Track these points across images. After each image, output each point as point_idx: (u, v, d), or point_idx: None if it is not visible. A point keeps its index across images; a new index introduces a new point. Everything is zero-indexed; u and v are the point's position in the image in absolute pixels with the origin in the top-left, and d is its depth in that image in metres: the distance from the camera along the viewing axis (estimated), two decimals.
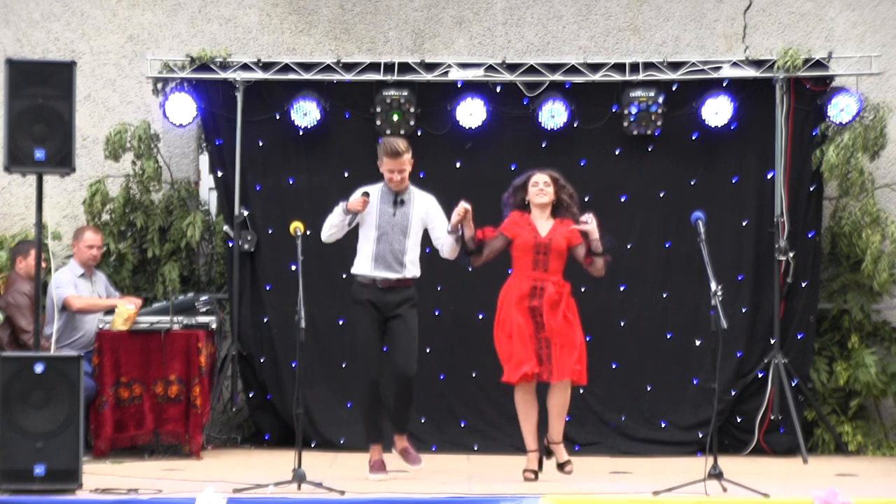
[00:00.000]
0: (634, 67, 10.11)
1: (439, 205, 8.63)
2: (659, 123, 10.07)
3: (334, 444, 10.01)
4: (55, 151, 7.72)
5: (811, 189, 10.15)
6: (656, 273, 10.25)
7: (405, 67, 10.14)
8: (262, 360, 10.22)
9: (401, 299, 8.47)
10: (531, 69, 10.13)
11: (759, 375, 10.06)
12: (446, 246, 8.53)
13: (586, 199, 9.92)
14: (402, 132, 10.03)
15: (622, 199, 10.22)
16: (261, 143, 10.31)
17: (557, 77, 10.10)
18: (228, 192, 10.27)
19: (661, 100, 9.99)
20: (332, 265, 10.03)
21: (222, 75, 10.17)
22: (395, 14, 10.88)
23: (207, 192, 10.87)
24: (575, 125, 10.18)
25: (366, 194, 8.43)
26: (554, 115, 10.05)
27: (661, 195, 10.24)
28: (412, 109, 10.07)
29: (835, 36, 10.74)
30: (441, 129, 10.23)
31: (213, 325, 9.61)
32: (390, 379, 8.55)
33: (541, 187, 8.50)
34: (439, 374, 10.05)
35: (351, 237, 8.66)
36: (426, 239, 8.65)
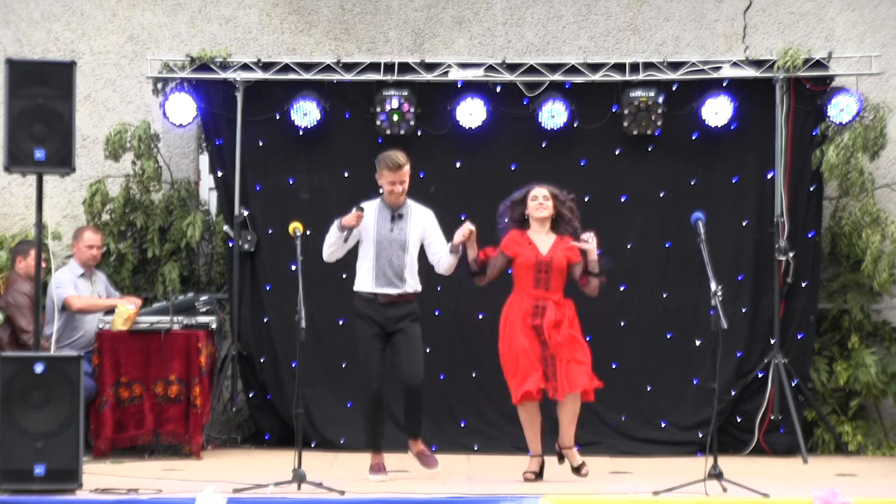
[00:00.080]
0: (634, 67, 10.10)
1: (436, 219, 8.64)
2: (659, 123, 10.07)
3: (334, 444, 10.01)
4: (55, 151, 7.72)
5: (811, 189, 10.15)
6: (656, 273, 10.25)
7: (405, 67, 10.14)
8: (262, 360, 10.22)
9: (402, 314, 8.48)
10: (531, 69, 10.13)
11: (759, 375, 10.06)
12: (443, 262, 8.53)
13: (586, 199, 9.95)
14: (402, 132, 10.03)
15: (622, 199, 10.22)
16: (261, 143, 10.31)
17: (557, 77, 10.10)
18: (228, 192, 10.27)
19: (660, 100, 9.99)
20: (333, 265, 10.01)
21: (222, 75, 10.17)
22: (395, 14, 10.88)
23: (207, 192, 10.87)
24: (575, 125, 10.18)
25: (360, 209, 8.44)
26: (554, 115, 10.05)
27: (661, 195, 10.24)
28: (412, 109, 10.07)
29: (835, 36, 10.74)
30: (441, 129, 10.23)
31: (213, 325, 9.61)
32: (398, 389, 8.60)
33: (540, 201, 8.48)
34: (439, 374, 10.05)
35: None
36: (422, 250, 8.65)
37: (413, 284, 8.54)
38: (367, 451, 8.62)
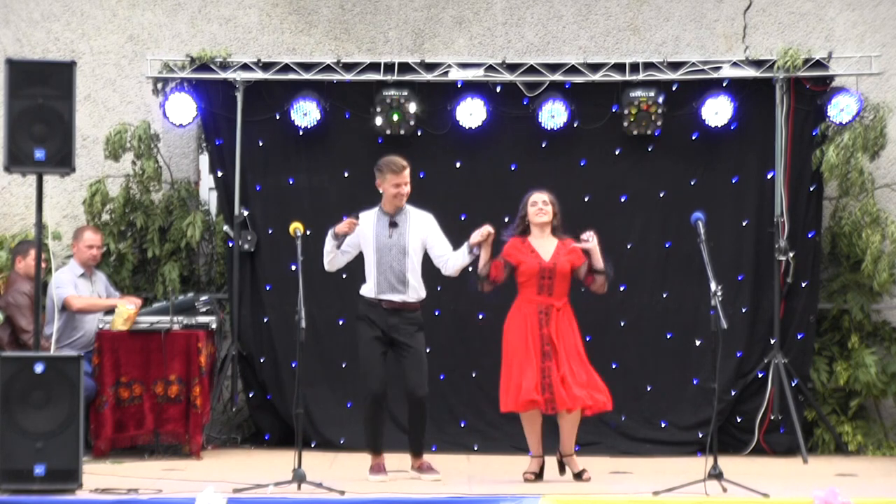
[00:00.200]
0: (634, 67, 10.10)
1: (436, 222, 8.65)
2: (659, 123, 10.07)
3: (334, 444, 10.01)
4: (55, 151, 7.72)
5: (811, 189, 10.15)
6: (656, 273, 10.25)
7: (405, 67, 10.14)
8: (262, 360, 10.22)
9: (405, 323, 8.48)
10: (531, 69, 10.13)
11: (759, 375, 10.06)
12: (451, 263, 8.53)
13: (586, 200, 9.96)
14: (402, 132, 10.03)
15: (622, 199, 10.21)
16: (261, 143, 10.31)
17: (557, 77, 10.09)
18: (228, 192, 10.27)
19: (660, 100, 9.99)
20: None
21: (222, 75, 10.17)
22: (395, 14, 10.88)
23: (207, 192, 10.87)
24: (575, 125, 10.18)
25: (355, 217, 8.45)
26: (554, 115, 10.05)
27: (661, 195, 10.24)
28: (412, 109, 10.07)
29: (835, 36, 10.74)
30: (441, 129, 10.23)
31: (213, 325, 9.61)
32: (400, 389, 8.60)
33: (540, 206, 8.48)
34: (439, 374, 10.04)
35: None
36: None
37: (417, 290, 8.54)
38: (367, 452, 8.61)
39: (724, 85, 10.07)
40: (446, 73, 10.14)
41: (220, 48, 10.35)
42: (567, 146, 10.17)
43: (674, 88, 10.13)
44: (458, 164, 10.28)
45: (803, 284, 10.08)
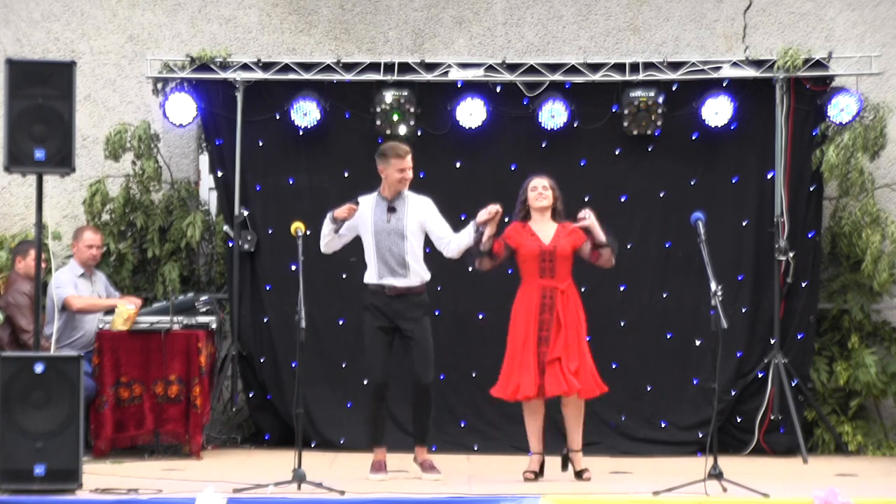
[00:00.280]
0: (634, 67, 10.10)
1: (435, 206, 8.64)
2: (659, 123, 10.07)
3: (334, 444, 10.01)
4: (55, 151, 7.72)
5: (811, 189, 10.15)
6: (656, 273, 10.25)
7: (405, 67, 10.14)
8: (262, 360, 10.22)
9: (411, 308, 8.48)
10: (531, 69, 10.13)
11: (759, 375, 10.05)
12: (453, 244, 8.53)
13: (586, 199, 9.94)
14: (403, 132, 10.03)
15: (622, 199, 10.22)
16: (261, 143, 10.31)
17: (557, 77, 10.10)
18: (228, 192, 10.27)
19: (660, 100, 9.99)
20: (333, 265, 10.04)
21: (222, 75, 10.17)
22: (395, 14, 10.88)
23: (207, 192, 10.87)
24: (575, 125, 10.18)
25: (355, 202, 8.45)
26: (554, 115, 10.05)
27: (661, 195, 10.24)
28: (412, 109, 10.08)
29: (835, 36, 10.74)
30: (441, 129, 10.23)
31: (213, 325, 9.61)
32: (402, 389, 8.60)
33: (540, 191, 8.51)
34: (439, 374, 10.02)
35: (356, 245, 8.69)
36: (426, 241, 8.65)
37: (419, 272, 8.53)
38: (370, 445, 8.60)
39: (724, 85, 10.07)
40: (446, 73, 10.14)
41: (220, 48, 10.35)
42: (567, 146, 10.17)
43: (674, 88, 10.13)
44: (458, 164, 10.28)
45: (803, 284, 10.08)
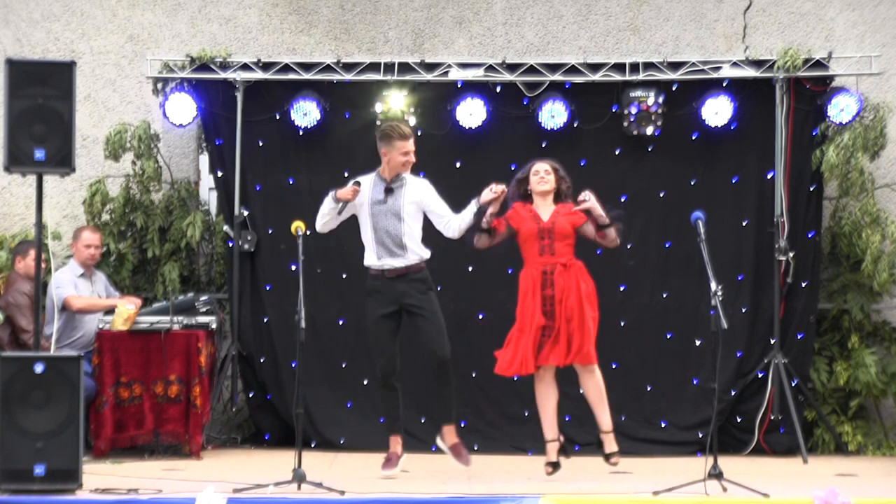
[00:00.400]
0: (634, 67, 10.10)
1: (433, 187, 8.66)
2: (659, 123, 10.07)
3: (334, 444, 10.01)
4: (55, 151, 7.72)
5: (811, 189, 10.15)
6: (656, 273, 10.25)
7: (405, 67, 10.14)
8: (262, 360, 10.22)
9: (414, 285, 8.48)
10: (531, 69, 10.13)
11: (759, 375, 10.05)
12: (453, 224, 8.55)
13: None
14: None
15: (622, 199, 10.20)
16: (261, 143, 10.31)
17: (557, 77, 10.10)
18: (228, 192, 10.27)
19: (660, 100, 9.99)
20: (333, 265, 10.05)
21: (222, 75, 10.17)
22: (395, 14, 10.88)
23: (207, 192, 10.87)
24: (575, 125, 10.18)
25: (357, 184, 8.47)
26: (554, 115, 10.05)
27: (661, 195, 10.24)
28: (412, 109, 10.07)
29: (835, 36, 10.74)
30: (441, 129, 10.23)
31: (213, 325, 9.61)
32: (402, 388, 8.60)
33: (542, 175, 8.56)
34: None
35: (353, 235, 8.68)
36: (425, 233, 8.64)
37: (417, 252, 8.54)
38: (386, 433, 8.62)
39: (724, 85, 10.07)
40: (446, 73, 10.14)
41: (220, 48, 10.35)
42: (567, 146, 10.16)
43: (674, 88, 10.13)
44: (458, 164, 10.28)
45: (803, 284, 10.08)
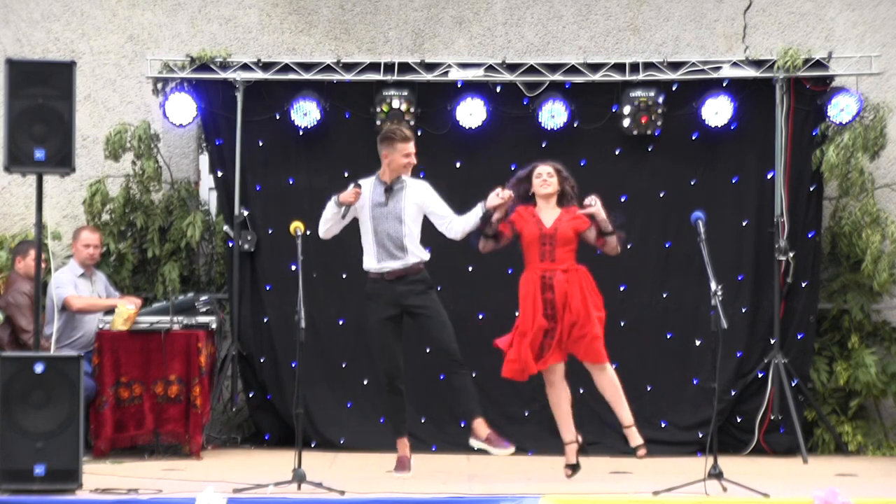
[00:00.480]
0: (634, 67, 10.10)
1: (433, 188, 8.66)
2: (659, 123, 10.07)
3: (334, 444, 10.01)
4: (55, 151, 7.72)
5: (811, 189, 10.15)
6: (656, 273, 10.25)
7: (405, 67, 10.14)
8: (262, 360, 10.22)
9: (412, 287, 8.48)
10: (531, 69, 10.13)
11: (759, 375, 10.05)
12: (456, 226, 8.54)
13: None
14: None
15: (622, 199, 10.21)
16: (261, 143, 10.31)
17: (557, 77, 10.10)
18: (228, 192, 10.27)
19: (660, 100, 9.99)
20: (333, 265, 10.05)
21: (222, 75, 10.17)
22: (395, 14, 10.88)
23: (207, 192, 10.87)
24: (575, 125, 10.18)
25: (358, 186, 8.47)
26: (554, 115, 10.05)
27: (661, 195, 10.24)
28: (412, 109, 10.08)
29: (835, 36, 10.74)
30: (441, 129, 10.23)
31: (213, 325, 9.61)
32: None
33: (544, 178, 8.53)
34: (439, 374, 10.02)
35: (353, 235, 8.68)
36: (424, 233, 8.64)
37: (417, 253, 8.53)
38: (393, 436, 8.62)
39: (724, 85, 10.07)
40: (446, 73, 10.14)
41: (220, 48, 10.35)
42: (567, 146, 10.16)
43: (674, 88, 10.13)
44: (458, 164, 10.28)
45: (803, 284, 10.08)
